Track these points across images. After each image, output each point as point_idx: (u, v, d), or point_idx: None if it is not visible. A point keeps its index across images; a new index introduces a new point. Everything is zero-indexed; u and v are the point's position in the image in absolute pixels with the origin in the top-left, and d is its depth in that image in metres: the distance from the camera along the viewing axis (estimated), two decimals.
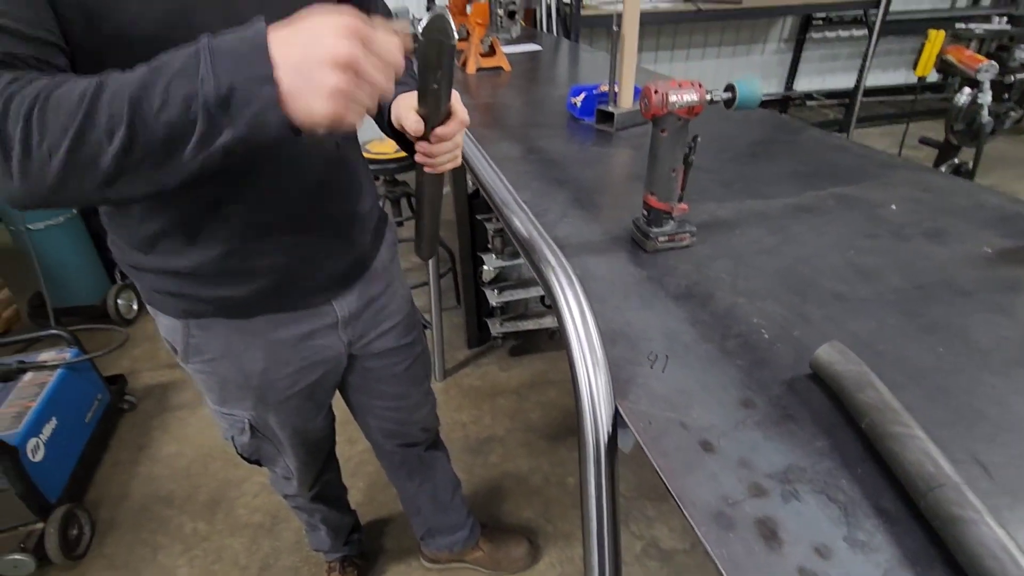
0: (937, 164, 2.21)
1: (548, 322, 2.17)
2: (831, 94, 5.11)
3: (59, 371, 1.71)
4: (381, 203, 1.05)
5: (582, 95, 1.59)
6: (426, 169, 0.73)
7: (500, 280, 2.11)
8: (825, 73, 5.15)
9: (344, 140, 0.82)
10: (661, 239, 0.89)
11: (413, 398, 1.14)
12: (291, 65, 0.46)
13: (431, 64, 0.58)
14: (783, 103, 5.09)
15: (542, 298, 2.27)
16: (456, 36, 0.55)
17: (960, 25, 2.08)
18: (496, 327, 2.13)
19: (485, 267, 2.00)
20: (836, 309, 0.76)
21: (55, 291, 2.23)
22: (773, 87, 5.07)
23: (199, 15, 0.60)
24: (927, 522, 0.47)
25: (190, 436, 1.93)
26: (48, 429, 1.60)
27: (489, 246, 2.01)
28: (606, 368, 0.61)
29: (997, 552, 0.41)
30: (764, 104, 4.98)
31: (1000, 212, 1.00)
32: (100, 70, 0.50)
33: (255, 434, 0.97)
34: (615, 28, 1.44)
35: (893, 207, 1.03)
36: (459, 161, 0.75)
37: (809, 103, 5.16)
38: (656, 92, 0.78)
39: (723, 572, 0.44)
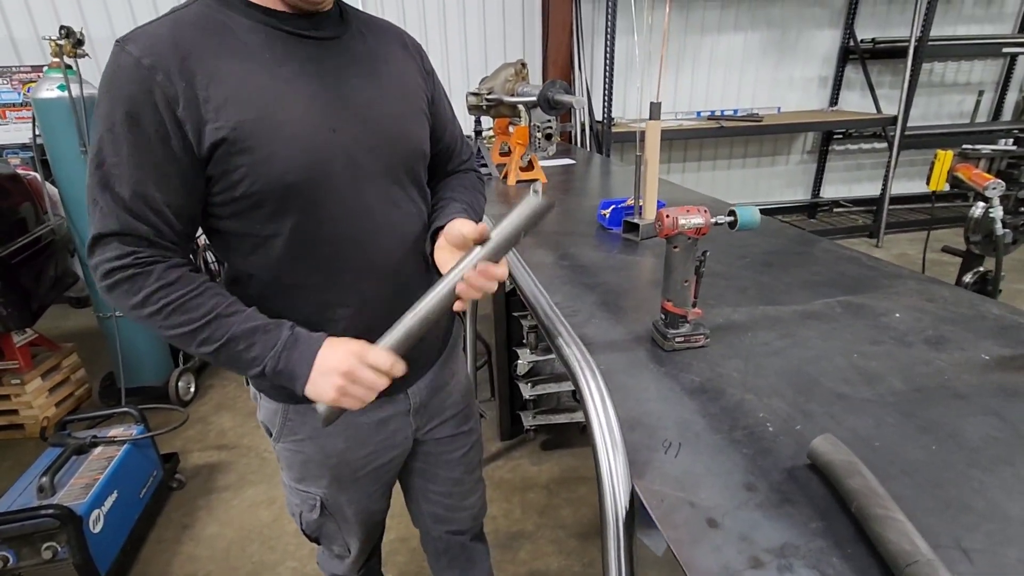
0: (962, 273, 2.27)
1: (579, 416, 2.23)
2: (857, 201, 5.28)
3: (125, 446, 1.86)
4: None
5: (611, 208, 1.78)
6: (459, 292, 0.80)
7: (533, 374, 2.21)
8: (851, 182, 5.36)
9: (425, 256, 0.96)
10: (678, 340, 1.00)
11: (466, 484, 1.21)
12: (318, 370, 0.77)
13: (535, 220, 0.75)
14: (811, 209, 5.27)
15: (574, 392, 2.34)
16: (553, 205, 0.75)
17: (967, 146, 2.23)
18: (528, 420, 2.19)
19: (520, 361, 2.11)
20: (837, 407, 0.84)
21: (125, 372, 2.44)
22: (800, 194, 5.28)
23: (331, 167, 0.80)
24: None
25: (232, 518, 2.01)
26: (109, 502, 1.72)
27: (524, 341, 2.14)
28: (624, 451, 0.71)
29: None
30: (791, 210, 5.20)
31: (1000, 322, 1.07)
32: (260, 210, 0.78)
33: (323, 512, 1.06)
34: (638, 153, 1.65)
35: (897, 315, 1.12)
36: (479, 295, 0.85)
37: (836, 209, 5.32)
38: (668, 216, 0.94)
39: None
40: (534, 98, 2.15)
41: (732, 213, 0.98)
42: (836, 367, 0.94)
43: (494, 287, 0.79)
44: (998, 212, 1.93)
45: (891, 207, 4.66)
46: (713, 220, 0.96)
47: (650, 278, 1.40)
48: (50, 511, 1.52)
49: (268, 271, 0.84)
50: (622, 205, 1.77)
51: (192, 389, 2.73)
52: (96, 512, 1.65)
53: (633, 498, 0.68)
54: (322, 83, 0.80)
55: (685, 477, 0.70)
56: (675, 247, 0.96)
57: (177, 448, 2.31)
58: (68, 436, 1.87)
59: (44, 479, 1.64)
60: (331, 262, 0.85)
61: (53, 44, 2.15)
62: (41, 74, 3.44)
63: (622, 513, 0.67)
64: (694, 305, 1.01)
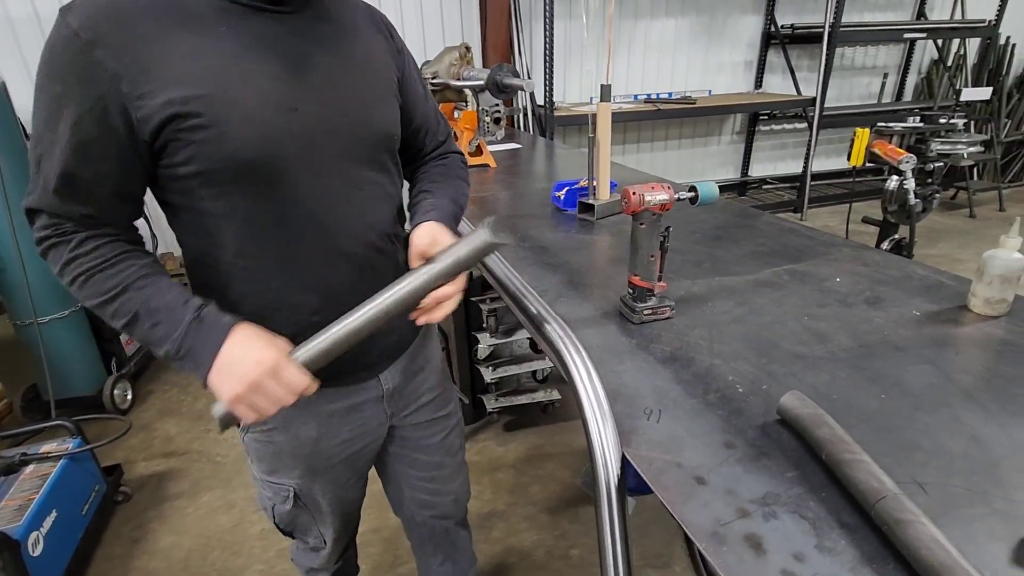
0: (880, 240, 2.48)
1: (540, 396, 2.27)
2: (783, 179, 5.61)
3: (61, 462, 1.73)
4: None
5: (565, 189, 1.80)
6: (419, 318, 0.83)
7: (494, 357, 2.23)
8: (776, 160, 5.68)
9: (396, 239, 0.95)
10: (646, 312, 1.04)
11: (448, 468, 1.21)
12: (219, 367, 0.71)
13: (484, 254, 0.77)
14: (741, 187, 5.55)
15: (534, 374, 2.38)
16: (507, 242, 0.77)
17: (881, 124, 2.43)
18: (491, 403, 2.21)
19: (480, 345, 2.12)
20: (797, 366, 0.90)
21: (53, 382, 2.26)
22: (730, 173, 5.55)
23: (289, 148, 0.76)
24: (879, 529, 0.58)
25: (188, 526, 1.91)
26: (48, 522, 1.60)
27: (484, 325, 2.15)
28: (612, 420, 0.73)
29: (930, 543, 0.53)
30: (723, 189, 5.45)
31: (925, 282, 1.18)
32: (210, 189, 0.73)
33: (297, 503, 1.03)
34: (591, 135, 1.68)
35: (838, 280, 1.21)
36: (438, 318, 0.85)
37: (765, 187, 5.63)
38: (634, 193, 0.97)
39: None
40: (482, 82, 2.14)
41: (693, 189, 1.02)
42: (790, 330, 1.01)
43: (444, 311, 0.83)
44: (911, 184, 2.11)
45: (812, 183, 4.98)
46: (676, 196, 1.00)
47: (610, 256, 1.45)
48: None
49: (225, 253, 0.80)
50: (576, 186, 1.80)
51: (129, 396, 2.56)
52: (35, 534, 1.53)
53: (623, 464, 0.71)
54: (281, 60, 0.75)
55: (669, 441, 0.74)
56: (641, 224, 0.99)
57: (119, 459, 2.17)
58: None
59: None
60: (291, 246, 0.81)
61: None
62: None
63: (614, 480, 0.70)
64: (660, 278, 1.05)
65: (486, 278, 1.24)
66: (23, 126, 2.25)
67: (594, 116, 1.66)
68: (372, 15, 0.92)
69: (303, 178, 0.79)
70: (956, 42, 5.42)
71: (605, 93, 1.64)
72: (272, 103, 0.74)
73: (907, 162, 2.11)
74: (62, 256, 0.72)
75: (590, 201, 1.71)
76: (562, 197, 1.80)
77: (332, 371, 0.88)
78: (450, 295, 0.82)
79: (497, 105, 2.33)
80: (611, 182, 1.78)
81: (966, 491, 0.64)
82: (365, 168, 0.87)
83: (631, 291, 1.06)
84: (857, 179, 3.17)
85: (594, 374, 0.77)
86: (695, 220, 1.64)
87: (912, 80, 5.79)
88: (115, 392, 2.44)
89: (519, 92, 2.21)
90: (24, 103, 3.66)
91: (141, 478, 2.14)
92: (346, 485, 1.07)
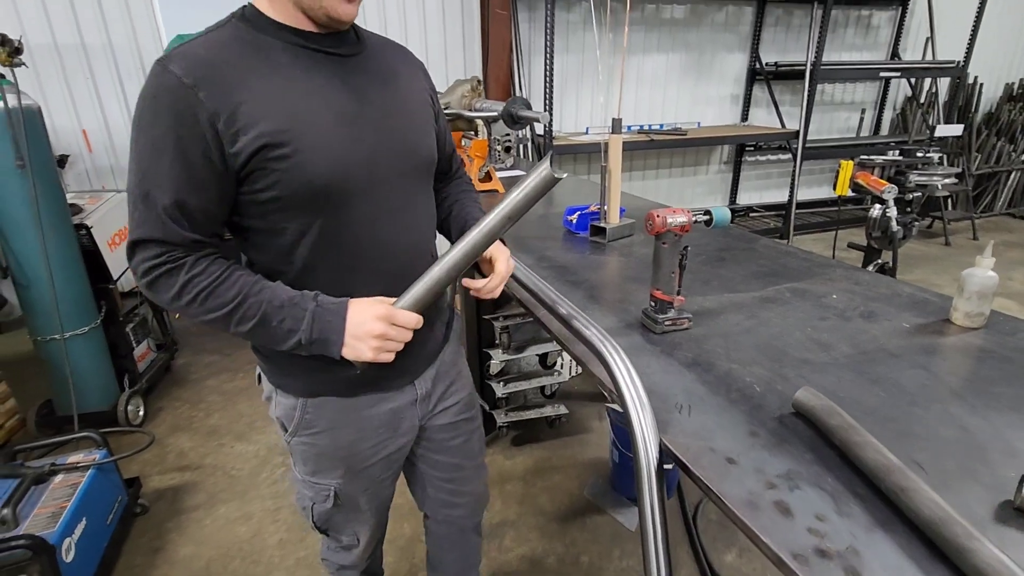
0: (864, 265, 2.64)
1: (549, 411, 2.36)
2: (769, 207, 5.84)
3: (90, 472, 1.77)
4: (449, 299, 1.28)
5: (576, 213, 1.93)
6: (474, 293, 0.99)
7: (505, 373, 2.32)
8: (762, 189, 5.92)
9: (433, 255, 1.06)
10: (667, 323, 1.16)
11: (467, 470, 1.29)
12: (351, 335, 0.86)
13: (546, 188, 0.87)
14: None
15: (542, 389, 2.47)
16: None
17: (864, 157, 2.61)
18: (501, 417, 2.29)
19: (493, 361, 2.21)
20: (805, 370, 1.02)
21: (68, 398, 2.29)
22: (719, 201, 5.77)
23: (355, 172, 0.87)
24: (888, 499, 0.69)
25: (207, 537, 1.95)
26: (79, 529, 1.63)
27: (496, 342, 2.24)
28: (651, 410, 0.84)
29: (929, 504, 0.64)
30: None
31: (912, 299, 1.32)
32: (288, 212, 0.85)
33: (336, 502, 1.11)
34: (603, 164, 1.82)
35: (834, 296, 1.34)
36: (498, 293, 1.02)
37: (752, 214, 5.85)
38: (658, 216, 1.09)
39: (759, 535, 0.65)
40: (495, 113, 2.28)
41: (708, 213, 1.15)
42: (796, 340, 1.13)
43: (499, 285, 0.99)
44: (893, 212, 2.28)
45: (797, 211, 5.20)
46: (693, 219, 1.13)
47: (624, 274, 1.56)
48: (21, 542, 1.44)
49: (292, 268, 0.90)
50: (587, 211, 1.93)
51: (141, 412, 2.59)
52: (67, 540, 1.57)
53: (661, 449, 0.82)
54: (346, 96, 0.87)
55: (701, 430, 0.85)
56: (664, 243, 1.11)
57: (135, 473, 2.20)
58: (21, 466, 1.76)
59: (5, 511, 1.54)
60: (351, 261, 0.92)
61: None
62: None
63: (654, 463, 0.80)
64: (679, 293, 1.17)
65: (516, 295, 1.35)
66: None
67: (607, 145, 1.80)
68: (411, 59, 1.05)
69: (365, 199, 0.90)
70: (928, 80, 5.76)
71: (616, 126, 1.79)
72: (341, 134, 0.86)
73: (889, 192, 2.28)
74: (178, 279, 0.81)
75: (602, 224, 1.83)
76: (574, 221, 1.92)
77: (372, 377, 0.99)
78: (503, 273, 0.99)
79: (508, 135, 2.48)
80: (621, 208, 1.91)
81: (958, 468, 0.75)
82: (414, 189, 0.99)
83: (653, 304, 1.17)
84: (841, 208, 3.36)
85: (633, 371, 0.87)
86: (699, 243, 1.77)
87: (888, 115, 6.11)
88: (128, 407, 2.48)
89: (542, 123, 2.35)
90: (63, 125, 3.77)
91: (157, 491, 2.17)
92: (382, 483, 1.14)
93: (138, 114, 0.78)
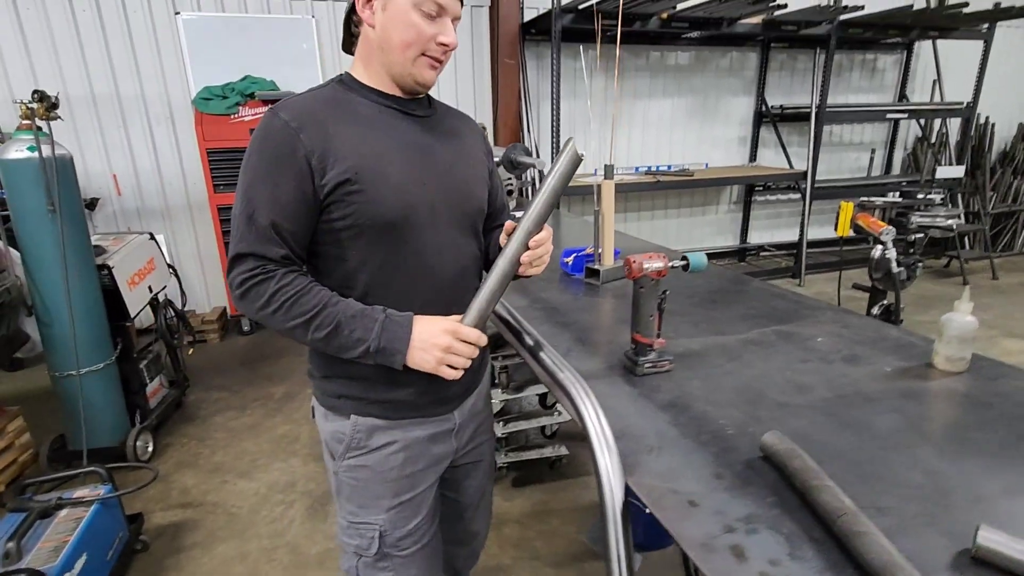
0: (870, 306, 2.62)
1: (549, 452, 2.35)
2: (780, 246, 5.83)
3: (93, 507, 1.81)
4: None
5: (573, 256, 1.98)
6: (521, 271, 1.04)
7: (505, 413, 2.33)
8: (773, 228, 5.93)
9: (476, 290, 1.10)
10: (647, 365, 1.18)
11: (480, 508, 1.33)
12: (416, 347, 0.95)
13: (574, 167, 0.97)
14: (740, 254, 5.77)
15: (543, 429, 2.47)
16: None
17: (864, 199, 2.64)
18: (501, 457, 2.29)
19: (493, 400, 2.23)
20: (780, 413, 1.03)
21: (80, 433, 2.36)
22: (729, 240, 5.79)
23: (419, 211, 0.98)
24: (841, 543, 0.70)
25: (205, 575, 1.96)
26: (79, 564, 1.66)
27: (496, 381, 2.27)
28: (616, 452, 0.86)
29: (879, 550, 0.64)
30: (723, 255, 5.68)
31: (898, 342, 1.32)
32: (358, 240, 0.96)
33: (380, 549, 1.10)
34: (596, 208, 1.87)
35: (820, 339, 1.35)
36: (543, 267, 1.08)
37: (763, 253, 5.85)
38: (635, 261, 1.13)
39: None
40: (497, 159, 2.38)
41: (684, 258, 1.19)
42: (776, 382, 1.14)
43: (546, 251, 1.05)
44: (892, 253, 2.28)
45: (809, 250, 5.19)
46: (670, 264, 1.17)
47: (615, 316, 1.59)
48: None
49: (354, 292, 0.99)
50: (583, 253, 1.98)
51: (150, 448, 2.64)
52: (67, 575, 1.60)
53: (626, 490, 0.83)
54: (416, 147, 1.02)
55: (667, 472, 0.86)
56: (641, 287, 1.15)
57: (138, 509, 2.23)
58: (29, 500, 1.81)
59: (11, 544, 1.58)
60: (406, 290, 1.01)
61: (24, 107, 2.18)
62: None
63: (618, 505, 0.82)
64: (658, 336, 1.19)
65: (504, 334, 1.39)
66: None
67: (599, 189, 1.86)
68: (472, 124, 1.21)
69: (424, 235, 1.01)
70: (939, 121, 5.80)
71: (608, 172, 1.85)
72: (410, 178, 0.99)
73: (887, 233, 2.29)
74: (269, 288, 0.91)
75: (596, 267, 1.88)
76: (570, 263, 1.97)
77: (416, 403, 1.07)
78: (545, 240, 1.03)
79: (510, 179, 2.56)
80: (615, 249, 1.95)
81: (920, 514, 0.75)
82: (465, 231, 1.10)
83: (633, 346, 1.20)
84: (852, 247, 3.35)
85: (601, 414, 0.90)
86: (693, 286, 1.80)
87: (899, 155, 6.13)
88: (138, 443, 2.54)
89: (538, 169, 2.43)
90: (96, 169, 4.00)
91: (159, 528, 2.19)
92: (423, 523, 1.14)
93: (250, 150, 0.93)
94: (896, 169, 6.14)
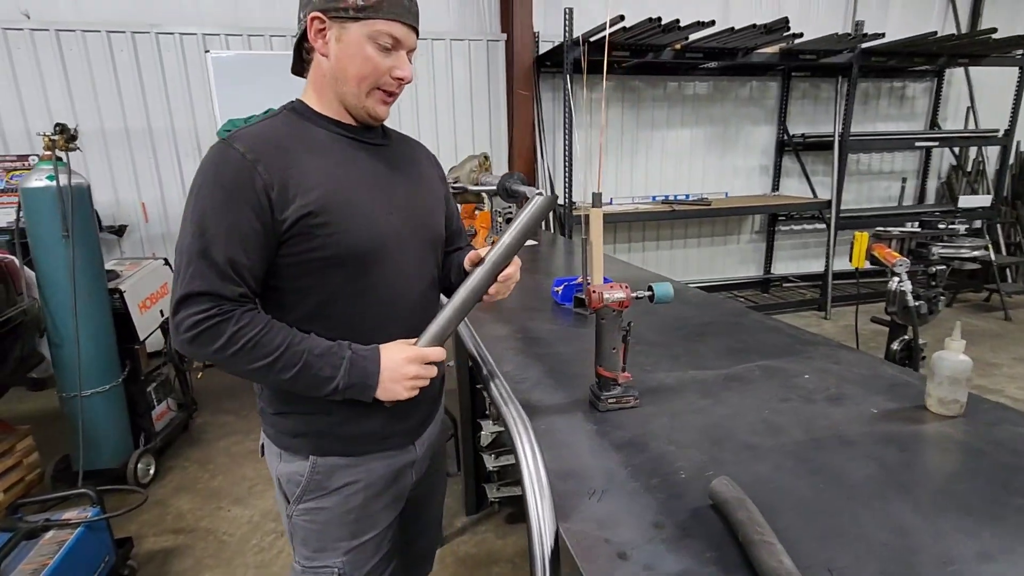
0: (890, 342, 2.47)
1: None
2: (805, 277, 5.64)
3: (79, 530, 1.82)
4: None
5: (563, 285, 1.94)
6: (487, 298, 1.04)
7: (497, 445, 2.26)
8: (798, 258, 5.75)
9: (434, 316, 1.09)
10: (610, 401, 1.12)
11: (432, 528, 1.32)
12: (386, 379, 0.94)
13: (542, 216, 0.97)
14: (764, 284, 5.59)
15: None
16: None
17: (879, 228, 2.52)
18: (493, 492, 2.22)
19: (483, 432, 2.17)
20: (745, 456, 0.95)
21: (85, 453, 2.40)
22: (753, 271, 5.63)
23: (387, 241, 0.97)
24: None
25: None
26: None
27: (487, 412, 2.21)
28: (550, 497, 0.80)
29: None
30: (746, 286, 5.51)
31: (891, 381, 1.23)
32: (325, 273, 0.94)
33: None
34: (584, 236, 1.83)
35: (807, 376, 1.27)
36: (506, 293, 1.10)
37: (787, 284, 5.66)
38: (595, 291, 1.09)
39: None
40: (495, 187, 2.37)
41: (650, 288, 1.14)
42: (748, 422, 1.07)
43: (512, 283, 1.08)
44: (908, 286, 2.16)
45: (836, 282, 4.99)
46: (634, 295, 1.12)
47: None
48: None
49: (318, 325, 0.96)
50: (574, 282, 1.93)
51: (152, 471, 2.67)
52: None
53: (557, 537, 0.77)
54: (378, 179, 1.01)
55: (605, 518, 0.80)
56: (602, 319, 1.10)
57: (132, 532, 2.24)
58: (19, 520, 1.83)
59: None
60: (376, 318, 1.00)
61: (46, 139, 2.31)
62: (27, 163, 3.62)
63: (547, 552, 0.76)
64: (624, 369, 1.13)
65: (473, 362, 1.35)
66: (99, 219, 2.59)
67: (587, 219, 1.82)
68: (425, 151, 1.20)
69: (393, 264, 1.00)
70: (974, 149, 5.58)
71: (596, 200, 1.81)
72: (377, 209, 0.98)
73: (901, 265, 2.17)
74: (226, 330, 0.86)
75: (583, 296, 1.82)
76: (560, 292, 1.93)
77: (381, 435, 1.04)
78: (512, 275, 1.06)
79: (509, 207, 2.56)
80: (606, 279, 1.90)
81: (879, 574, 0.67)
82: (426, 259, 1.09)
83: (597, 381, 1.15)
84: (879, 279, 3.20)
85: (538, 454, 0.85)
86: (682, 316, 1.73)
87: (932, 184, 5.90)
88: (139, 466, 2.56)
89: (531, 197, 2.43)
90: (126, 198, 4.18)
91: (149, 553, 2.19)
92: (383, 559, 1.11)
93: (200, 182, 0.89)
94: (931, 199, 5.91)
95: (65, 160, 2.32)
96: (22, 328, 2.51)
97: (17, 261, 2.45)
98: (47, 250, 2.32)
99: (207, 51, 4.03)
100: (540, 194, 0.98)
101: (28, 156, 3.66)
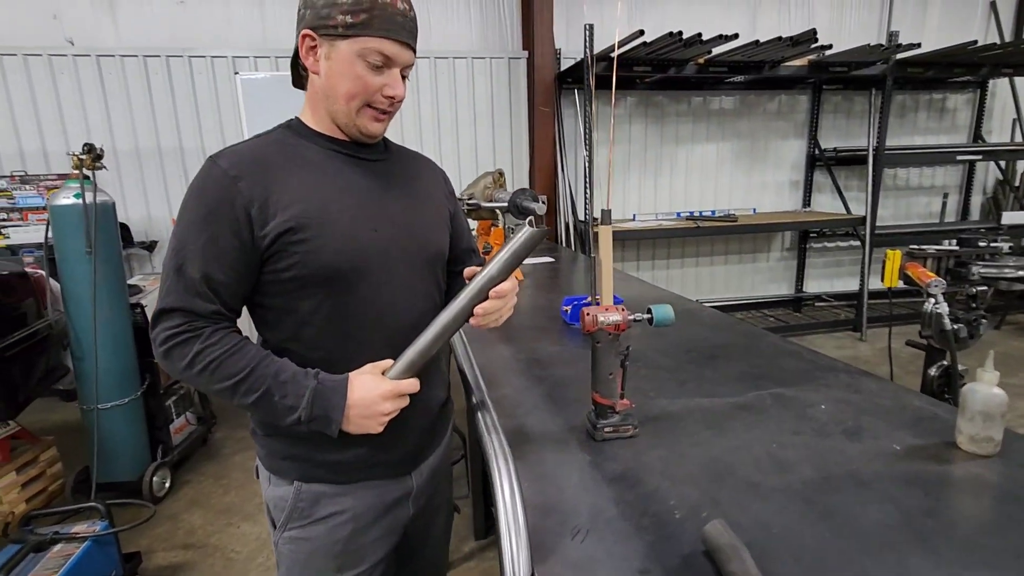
0: (927, 367, 2.32)
1: None
2: (839, 296, 5.41)
3: (86, 544, 1.83)
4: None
5: (571, 305, 1.88)
6: (476, 322, 0.97)
7: None
8: (832, 277, 5.53)
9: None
10: (607, 430, 1.06)
11: (435, 565, 1.24)
12: (356, 414, 0.89)
13: (530, 248, 0.93)
14: (796, 303, 5.39)
15: None
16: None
17: (914, 247, 2.38)
18: None
19: None
20: (746, 495, 0.88)
21: (102, 466, 2.44)
22: (783, 289, 5.43)
23: (369, 258, 0.94)
24: None
25: None
26: None
27: None
28: (526, 537, 0.75)
29: None
30: (776, 304, 5.32)
31: (918, 414, 1.13)
32: (305, 290, 0.91)
33: None
34: (593, 255, 1.78)
35: (823, 407, 1.18)
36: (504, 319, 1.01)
37: (819, 304, 5.44)
38: (588, 314, 1.03)
39: None
40: (505, 203, 2.34)
41: (649, 311, 1.07)
42: (753, 457, 0.99)
43: (507, 304, 0.98)
44: (943, 308, 2.02)
45: (872, 301, 4.77)
46: (632, 317, 1.06)
47: None
48: None
49: (301, 344, 0.95)
50: (583, 302, 1.87)
51: (167, 484, 2.69)
52: None
53: None
54: (368, 194, 0.98)
55: (585, 562, 0.74)
56: (598, 343, 1.04)
57: (143, 547, 2.25)
58: (30, 532, 1.85)
59: None
60: (359, 339, 0.96)
61: (75, 158, 2.39)
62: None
63: None
64: (622, 396, 1.07)
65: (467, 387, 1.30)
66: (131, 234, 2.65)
67: (596, 236, 1.76)
68: (432, 167, 1.17)
69: (377, 282, 0.96)
70: (1022, 163, 5.30)
71: (605, 217, 1.76)
72: (359, 225, 0.95)
73: (936, 286, 2.03)
74: (192, 348, 0.85)
75: None
76: (568, 311, 1.87)
77: (373, 462, 1.00)
78: (507, 291, 0.96)
79: (521, 224, 2.52)
80: (617, 298, 1.84)
81: None
82: (421, 277, 1.05)
83: (594, 408, 1.08)
84: (916, 299, 3.02)
85: (517, 493, 0.79)
86: (694, 339, 1.65)
87: (977, 200, 5.62)
88: (154, 479, 2.59)
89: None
90: (158, 215, 4.33)
91: (157, 568, 2.19)
92: None
93: (185, 199, 0.89)
94: (975, 215, 5.63)
95: (92, 178, 2.40)
96: (48, 341, 2.59)
97: (45, 275, 2.53)
98: (71, 265, 2.39)
99: (236, 73, 4.16)
100: (530, 224, 0.93)
101: (67, 175, 3.83)
